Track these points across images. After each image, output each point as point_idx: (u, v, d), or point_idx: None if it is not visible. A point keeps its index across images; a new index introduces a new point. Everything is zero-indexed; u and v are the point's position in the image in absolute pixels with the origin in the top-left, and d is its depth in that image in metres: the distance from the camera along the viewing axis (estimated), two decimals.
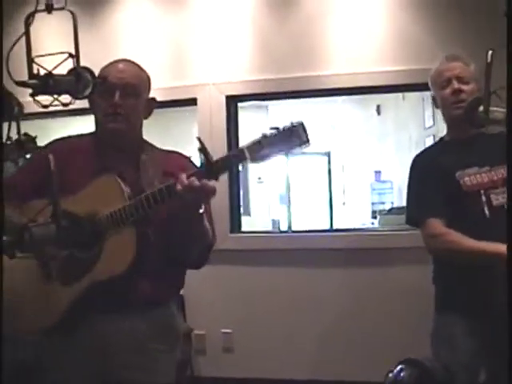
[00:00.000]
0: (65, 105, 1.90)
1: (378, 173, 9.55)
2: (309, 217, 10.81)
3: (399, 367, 1.96)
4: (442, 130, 6.16)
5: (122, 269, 2.13)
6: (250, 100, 5.17)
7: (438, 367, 2.35)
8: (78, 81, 1.89)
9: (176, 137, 5.14)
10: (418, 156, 2.96)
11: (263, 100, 5.51)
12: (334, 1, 4.50)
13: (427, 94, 6.77)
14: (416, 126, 7.81)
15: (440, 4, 4.32)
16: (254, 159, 1.96)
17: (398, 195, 8.93)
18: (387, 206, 8.55)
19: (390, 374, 1.89)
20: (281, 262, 4.49)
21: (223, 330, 4.57)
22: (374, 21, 4.44)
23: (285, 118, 1.99)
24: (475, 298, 2.58)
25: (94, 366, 2.20)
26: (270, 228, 9.48)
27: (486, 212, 2.62)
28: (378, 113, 9.54)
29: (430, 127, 7.09)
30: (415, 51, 4.35)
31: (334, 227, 10.05)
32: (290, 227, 10.70)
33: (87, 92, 1.97)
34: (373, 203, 9.26)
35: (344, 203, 11.07)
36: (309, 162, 11.41)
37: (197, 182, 1.98)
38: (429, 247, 2.73)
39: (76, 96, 1.95)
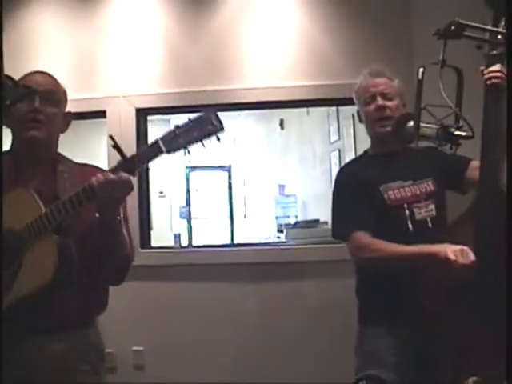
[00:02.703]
0: None
1: (281, 187, 9.59)
2: (210, 231, 10.81)
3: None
4: (349, 144, 6.36)
5: (44, 280, 2.05)
6: (160, 113, 5.10)
7: (397, 380, 2.37)
8: (1, 89, 1.81)
9: (87, 149, 5.01)
10: (342, 169, 3.00)
11: (173, 113, 5.42)
12: (247, 16, 4.51)
13: (333, 109, 6.98)
14: (321, 140, 7.86)
15: (352, 25, 4.41)
16: (170, 150, 1.96)
17: (302, 209, 9.00)
18: (292, 220, 8.61)
19: None
20: (191, 278, 4.44)
21: (134, 348, 4.46)
22: (286, 36, 4.49)
23: None
24: (397, 308, 2.61)
25: None
26: (172, 243, 9.40)
27: (409, 226, 2.67)
28: (282, 127, 9.57)
29: (335, 142, 7.16)
30: (326, 67, 4.43)
31: (237, 241, 10.09)
32: (190, 242, 10.71)
33: (8, 102, 1.89)
34: (277, 217, 9.28)
35: (245, 216, 11.11)
36: (209, 176, 11.43)
37: (112, 176, 1.98)
38: (356, 259, 2.74)
39: None
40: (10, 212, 2.11)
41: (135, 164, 2.01)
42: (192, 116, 1.96)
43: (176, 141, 1.95)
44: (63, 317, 2.15)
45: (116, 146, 1.99)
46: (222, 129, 1.96)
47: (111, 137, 2.01)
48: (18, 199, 2.15)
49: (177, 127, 1.96)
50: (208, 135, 1.95)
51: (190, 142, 1.95)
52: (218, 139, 1.97)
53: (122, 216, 2.14)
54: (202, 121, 1.95)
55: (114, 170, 2.00)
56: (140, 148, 2.05)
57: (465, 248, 2.27)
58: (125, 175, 1.98)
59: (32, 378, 2.11)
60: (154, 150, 1.98)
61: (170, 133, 1.96)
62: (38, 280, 2.06)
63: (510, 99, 1.85)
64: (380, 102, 2.74)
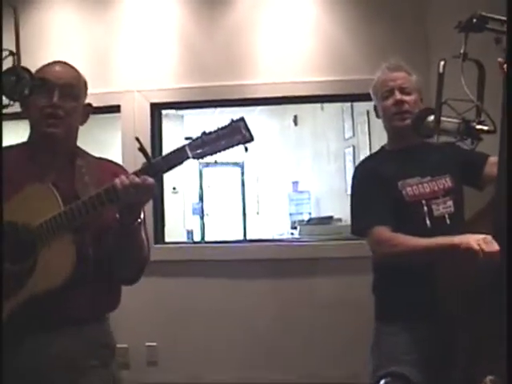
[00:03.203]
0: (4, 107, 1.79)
1: (295, 183, 9.57)
2: (222, 227, 10.80)
3: (383, 381, 1.91)
4: (363, 141, 6.34)
5: (61, 279, 2.02)
6: (174, 108, 5.10)
7: (420, 377, 2.33)
8: (17, 81, 1.78)
9: (99, 143, 4.99)
10: (359, 165, 2.95)
11: (188, 108, 5.41)
12: (263, 11, 4.49)
13: (347, 106, 6.95)
14: (335, 137, 7.84)
15: (369, 19, 4.37)
16: (196, 157, 1.93)
17: (315, 206, 8.97)
18: (305, 217, 8.58)
19: None
20: (204, 273, 4.44)
21: (147, 344, 4.46)
22: (301, 31, 4.47)
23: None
24: (416, 304, 2.56)
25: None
26: (184, 239, 9.41)
27: (428, 222, 2.63)
28: (295, 123, 9.55)
29: (349, 138, 7.15)
30: (340, 62, 4.41)
31: (250, 238, 10.07)
32: (202, 238, 10.71)
33: (25, 93, 1.86)
34: (290, 214, 9.26)
35: (258, 213, 11.09)
36: (222, 172, 11.42)
37: (137, 179, 1.93)
38: (376, 254, 2.69)
39: (13, 97, 1.84)
40: (26, 206, 2.09)
41: (160, 168, 1.97)
42: (213, 115, 1.93)
43: (203, 148, 1.92)
44: (76, 313, 2.13)
45: (142, 149, 1.95)
46: (251, 139, 1.93)
47: (137, 139, 1.96)
48: (36, 194, 2.12)
49: (204, 134, 1.92)
50: (236, 144, 1.92)
51: (218, 150, 1.93)
52: (246, 149, 1.94)
53: (142, 218, 2.10)
54: (231, 130, 1.92)
55: (138, 173, 1.96)
56: (167, 153, 2.00)
57: (488, 236, 2.23)
58: (150, 180, 1.94)
59: (41, 374, 2.08)
60: (181, 156, 1.94)
61: (197, 139, 1.93)
62: (54, 278, 2.03)
63: (510, 99, 1.81)
64: (398, 96, 2.70)
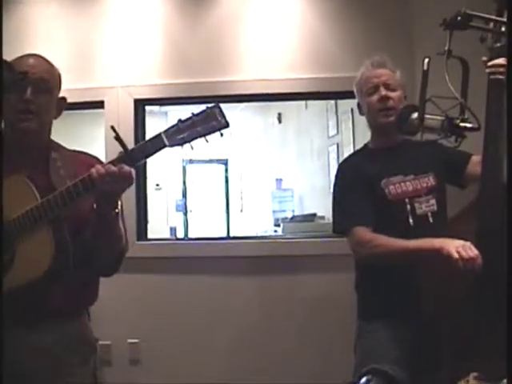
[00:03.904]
0: None
1: (278, 181, 9.56)
2: (206, 224, 10.78)
3: (365, 378, 1.91)
4: (347, 138, 6.34)
5: (40, 271, 2.02)
6: (158, 104, 5.05)
7: (402, 374, 2.33)
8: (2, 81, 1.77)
9: (82, 139, 4.96)
10: (343, 163, 2.95)
11: (171, 104, 5.37)
12: (247, 7, 4.46)
13: (331, 104, 6.96)
14: (319, 134, 7.85)
15: (354, 17, 4.37)
16: (172, 144, 1.93)
17: (298, 203, 8.98)
18: (288, 214, 8.59)
19: None
20: (187, 270, 4.41)
21: (130, 341, 4.43)
22: (285, 28, 4.44)
23: None
24: (398, 302, 2.57)
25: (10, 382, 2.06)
26: (168, 235, 9.38)
27: (410, 221, 2.63)
28: (279, 121, 9.54)
29: (333, 136, 7.15)
30: (325, 59, 4.38)
31: (233, 234, 10.08)
32: (186, 235, 10.69)
33: (6, 87, 1.85)
34: (274, 211, 9.26)
35: (241, 210, 11.09)
36: (206, 169, 11.40)
37: (113, 167, 1.93)
38: (358, 255, 2.70)
39: None
40: (4, 200, 2.08)
41: (136, 156, 1.96)
42: (196, 111, 1.92)
43: (179, 135, 1.91)
44: (55, 306, 2.12)
45: (117, 138, 1.94)
46: (226, 125, 1.93)
47: (113, 128, 1.95)
48: (13, 187, 2.10)
49: (180, 121, 1.92)
50: (212, 131, 1.92)
51: (194, 137, 1.92)
52: (222, 135, 1.93)
53: (119, 208, 2.09)
54: (207, 116, 1.92)
55: (114, 162, 1.95)
56: (143, 141, 1.99)
57: (467, 243, 2.23)
58: (126, 168, 1.93)
59: (20, 371, 2.07)
60: (157, 144, 1.94)
61: (173, 126, 1.92)
62: (33, 271, 2.03)
63: (509, 98, 1.82)
64: (383, 92, 2.70)
